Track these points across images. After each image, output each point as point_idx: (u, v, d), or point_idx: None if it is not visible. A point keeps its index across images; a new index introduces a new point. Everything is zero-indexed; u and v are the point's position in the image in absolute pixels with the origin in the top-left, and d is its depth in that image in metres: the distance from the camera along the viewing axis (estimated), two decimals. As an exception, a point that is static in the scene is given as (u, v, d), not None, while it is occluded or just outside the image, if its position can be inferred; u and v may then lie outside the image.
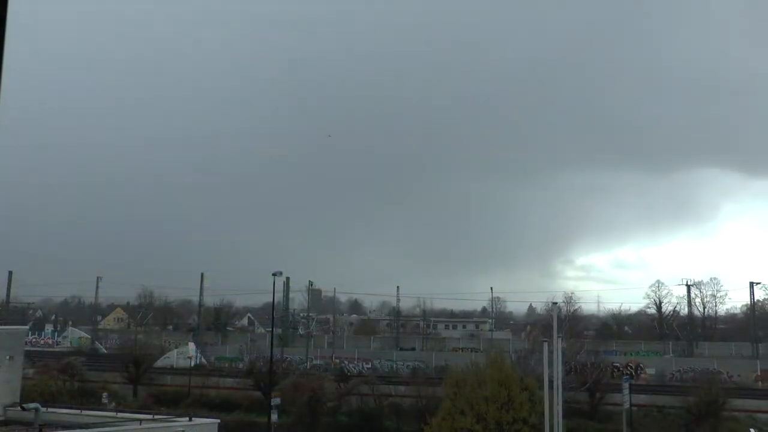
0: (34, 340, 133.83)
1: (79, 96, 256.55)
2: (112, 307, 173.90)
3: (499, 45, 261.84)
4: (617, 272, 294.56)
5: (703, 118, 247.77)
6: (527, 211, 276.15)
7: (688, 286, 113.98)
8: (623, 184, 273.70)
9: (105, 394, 60.96)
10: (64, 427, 29.07)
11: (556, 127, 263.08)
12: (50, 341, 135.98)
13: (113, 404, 56.41)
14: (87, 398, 60.54)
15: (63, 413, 33.24)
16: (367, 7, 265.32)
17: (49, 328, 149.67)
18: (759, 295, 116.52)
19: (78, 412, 34.34)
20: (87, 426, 28.71)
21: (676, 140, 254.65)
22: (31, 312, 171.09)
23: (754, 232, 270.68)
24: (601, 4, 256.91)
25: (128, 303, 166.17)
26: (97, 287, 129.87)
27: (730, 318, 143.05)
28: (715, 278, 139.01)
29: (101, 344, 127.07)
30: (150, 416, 33.08)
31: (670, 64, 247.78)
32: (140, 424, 29.97)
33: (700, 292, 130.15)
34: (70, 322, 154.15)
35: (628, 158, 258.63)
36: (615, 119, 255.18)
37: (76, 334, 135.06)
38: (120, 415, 33.54)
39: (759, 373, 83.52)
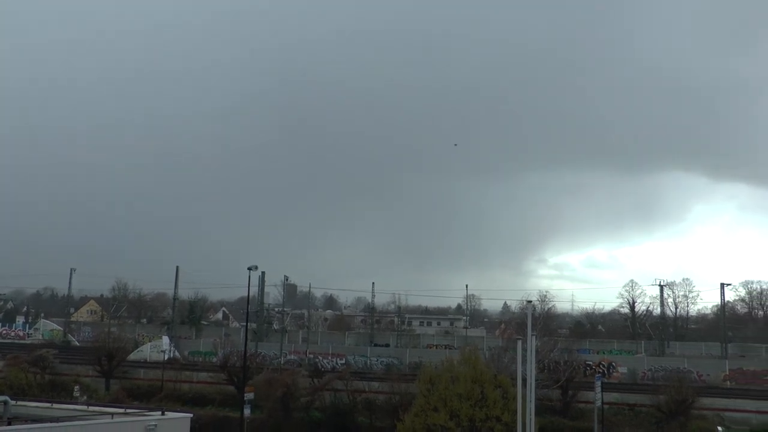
0: (4, 332, 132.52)
1: (49, 84, 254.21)
2: (85, 300, 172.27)
3: (477, 48, 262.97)
4: (590, 271, 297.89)
5: (670, 123, 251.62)
6: (501, 210, 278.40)
7: (661, 287, 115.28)
8: (594, 185, 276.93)
9: (76, 388, 60.36)
10: (34, 420, 28.66)
11: (531, 130, 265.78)
12: (21, 333, 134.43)
13: (85, 398, 55.90)
14: (58, 391, 59.97)
15: (33, 407, 32.80)
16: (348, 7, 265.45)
17: (20, 319, 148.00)
18: (729, 296, 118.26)
19: (48, 405, 33.90)
20: (57, 419, 28.33)
21: (645, 144, 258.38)
22: (1, 303, 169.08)
23: (724, 234, 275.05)
24: (573, 12, 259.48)
25: (102, 295, 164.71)
26: (71, 279, 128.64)
27: (701, 318, 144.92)
28: (687, 279, 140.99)
29: (74, 337, 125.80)
30: (122, 410, 32.71)
31: (640, 70, 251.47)
32: (112, 418, 29.66)
33: (673, 292, 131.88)
34: (42, 314, 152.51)
35: (599, 160, 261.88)
36: (586, 122, 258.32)
37: (48, 326, 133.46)
38: (91, 408, 33.11)
39: (727, 373, 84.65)
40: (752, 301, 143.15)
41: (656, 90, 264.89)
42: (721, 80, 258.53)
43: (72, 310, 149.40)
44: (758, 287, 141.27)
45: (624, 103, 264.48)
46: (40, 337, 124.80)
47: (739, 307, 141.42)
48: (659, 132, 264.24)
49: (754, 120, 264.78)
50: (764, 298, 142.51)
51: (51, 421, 27.98)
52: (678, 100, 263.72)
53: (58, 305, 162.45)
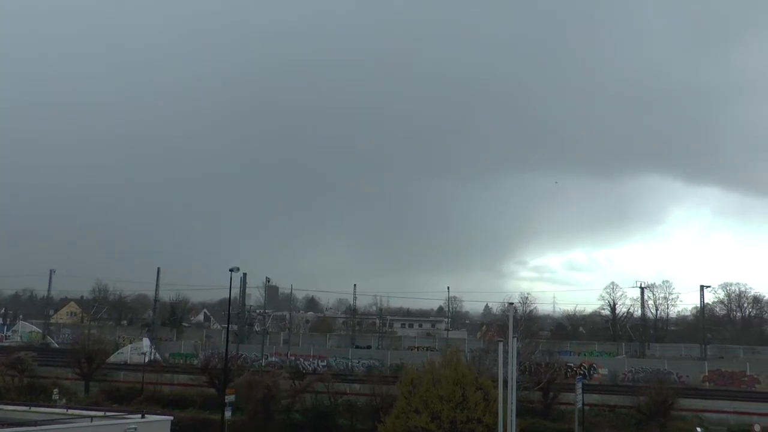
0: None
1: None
2: (65, 301, 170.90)
3: (462, 55, 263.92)
4: (570, 274, 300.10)
5: (645, 127, 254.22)
6: (482, 212, 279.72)
7: (642, 289, 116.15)
8: (572, 188, 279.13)
9: (56, 391, 59.77)
10: (12, 424, 28.40)
11: (511, 134, 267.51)
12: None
13: (64, 401, 55.41)
14: (37, 394, 59.34)
15: (11, 410, 32.55)
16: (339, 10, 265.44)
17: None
18: (708, 298, 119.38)
19: (27, 408, 33.65)
20: (36, 423, 28.10)
21: (622, 148, 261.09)
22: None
23: (703, 237, 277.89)
24: (549, 16, 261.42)
25: (82, 297, 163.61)
26: (50, 280, 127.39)
27: (681, 320, 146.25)
28: (667, 281, 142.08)
29: (53, 339, 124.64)
30: (102, 413, 32.57)
31: (617, 75, 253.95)
32: (91, 421, 29.52)
33: (653, 294, 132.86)
34: (21, 316, 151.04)
35: (576, 163, 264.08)
36: (563, 126, 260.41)
37: (26, 328, 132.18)
38: (71, 411, 32.94)
39: (707, 374, 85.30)
40: (731, 303, 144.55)
41: (632, 95, 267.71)
42: (697, 86, 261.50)
43: (51, 311, 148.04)
44: (737, 289, 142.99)
45: (601, 108, 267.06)
46: (19, 339, 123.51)
47: (718, 309, 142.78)
48: (636, 136, 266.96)
49: (730, 125, 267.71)
50: (743, 300, 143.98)
51: (29, 425, 27.77)
52: (653, 105, 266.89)
53: (38, 307, 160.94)
